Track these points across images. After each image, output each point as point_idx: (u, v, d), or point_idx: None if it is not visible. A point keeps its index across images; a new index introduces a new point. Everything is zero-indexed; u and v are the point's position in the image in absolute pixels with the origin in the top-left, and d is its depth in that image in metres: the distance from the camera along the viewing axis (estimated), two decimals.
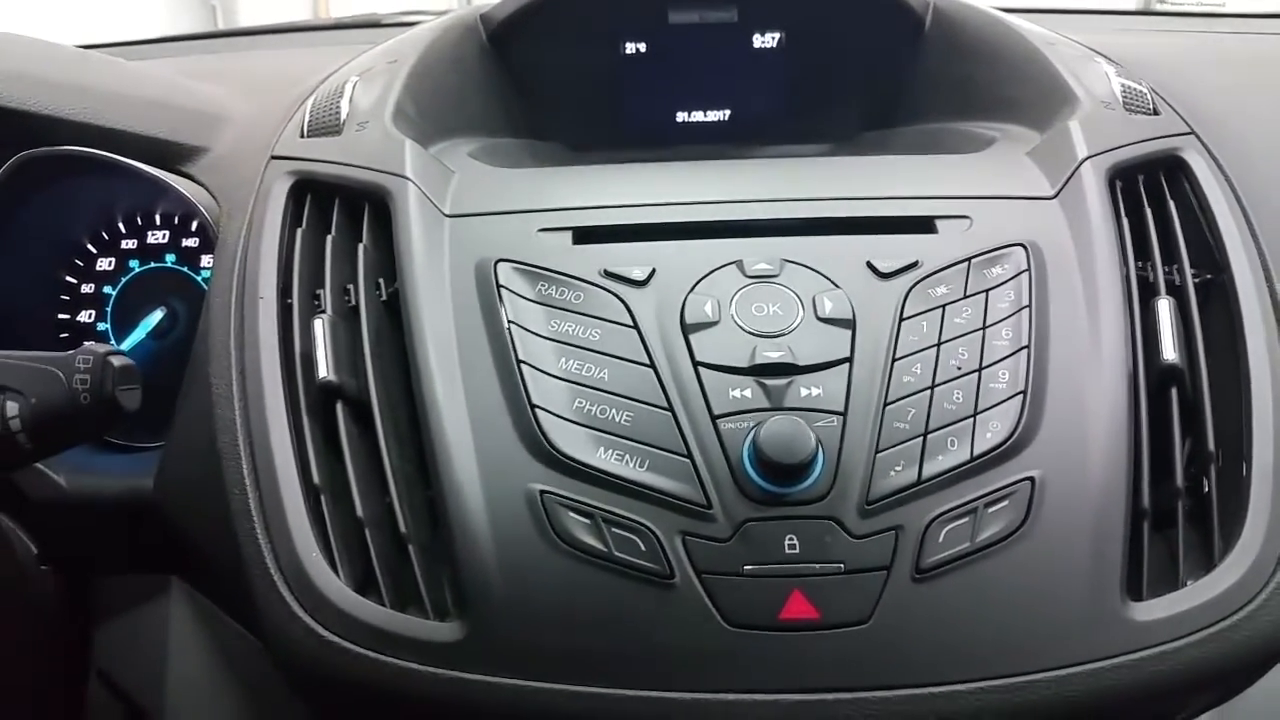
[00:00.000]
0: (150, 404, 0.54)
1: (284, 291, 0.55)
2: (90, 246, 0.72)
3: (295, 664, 0.47)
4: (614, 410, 0.47)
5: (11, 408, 0.47)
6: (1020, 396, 0.48)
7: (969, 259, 0.52)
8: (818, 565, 0.44)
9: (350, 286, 0.55)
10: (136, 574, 0.70)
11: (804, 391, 0.47)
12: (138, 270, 0.72)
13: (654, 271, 0.52)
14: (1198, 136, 0.61)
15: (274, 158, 0.61)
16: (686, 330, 0.49)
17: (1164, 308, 0.53)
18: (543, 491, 0.46)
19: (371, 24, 1.15)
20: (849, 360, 0.48)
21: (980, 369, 0.49)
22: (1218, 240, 0.56)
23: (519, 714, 0.45)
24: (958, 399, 0.48)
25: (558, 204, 0.56)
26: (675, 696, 0.44)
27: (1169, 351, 0.51)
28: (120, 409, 0.50)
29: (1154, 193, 0.59)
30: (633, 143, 0.79)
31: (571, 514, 0.45)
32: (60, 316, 0.71)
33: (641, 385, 0.48)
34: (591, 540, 0.45)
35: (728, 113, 0.80)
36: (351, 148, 0.60)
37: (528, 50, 0.75)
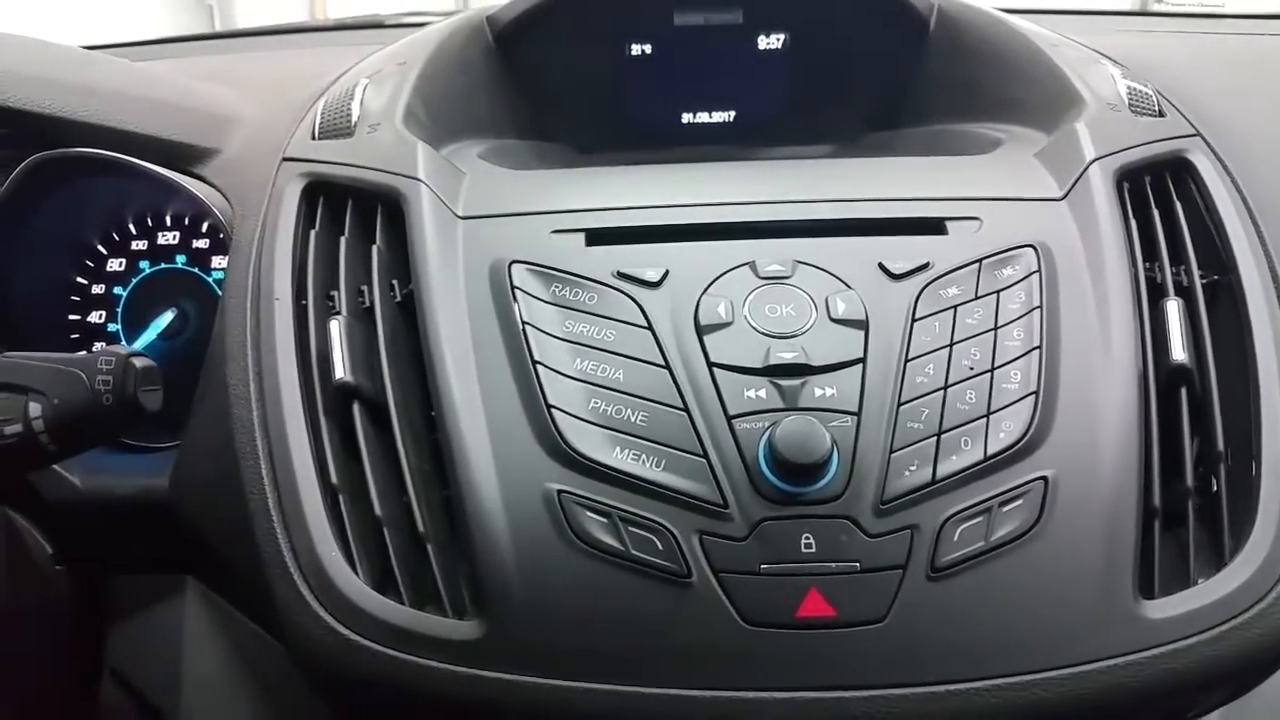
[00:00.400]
0: (162, 404, 0.54)
1: (298, 293, 0.55)
2: (101, 248, 0.72)
3: (315, 662, 0.48)
4: (630, 410, 0.48)
5: (35, 409, 0.48)
6: (1032, 397, 0.48)
7: (980, 260, 0.53)
8: (834, 564, 0.45)
9: (364, 288, 0.55)
10: (151, 574, 0.71)
11: (818, 392, 0.48)
12: (149, 271, 0.72)
13: (667, 273, 0.52)
14: (1203, 138, 0.62)
15: (286, 160, 0.61)
16: (701, 331, 0.50)
17: (1172, 309, 0.53)
18: (560, 491, 0.46)
19: (374, 25, 1.15)
20: (862, 361, 0.49)
21: (992, 369, 0.49)
22: (1224, 241, 0.56)
23: (537, 711, 0.45)
24: (971, 399, 0.48)
25: (570, 205, 0.56)
26: (692, 694, 0.44)
27: (1178, 352, 0.52)
28: (142, 410, 0.50)
29: (1161, 194, 0.59)
30: (638, 144, 0.80)
31: (589, 513, 0.46)
32: (71, 317, 0.72)
33: (657, 386, 0.48)
34: (609, 539, 0.45)
35: (733, 114, 0.81)
36: (364, 150, 0.60)
37: (533, 52, 0.76)
